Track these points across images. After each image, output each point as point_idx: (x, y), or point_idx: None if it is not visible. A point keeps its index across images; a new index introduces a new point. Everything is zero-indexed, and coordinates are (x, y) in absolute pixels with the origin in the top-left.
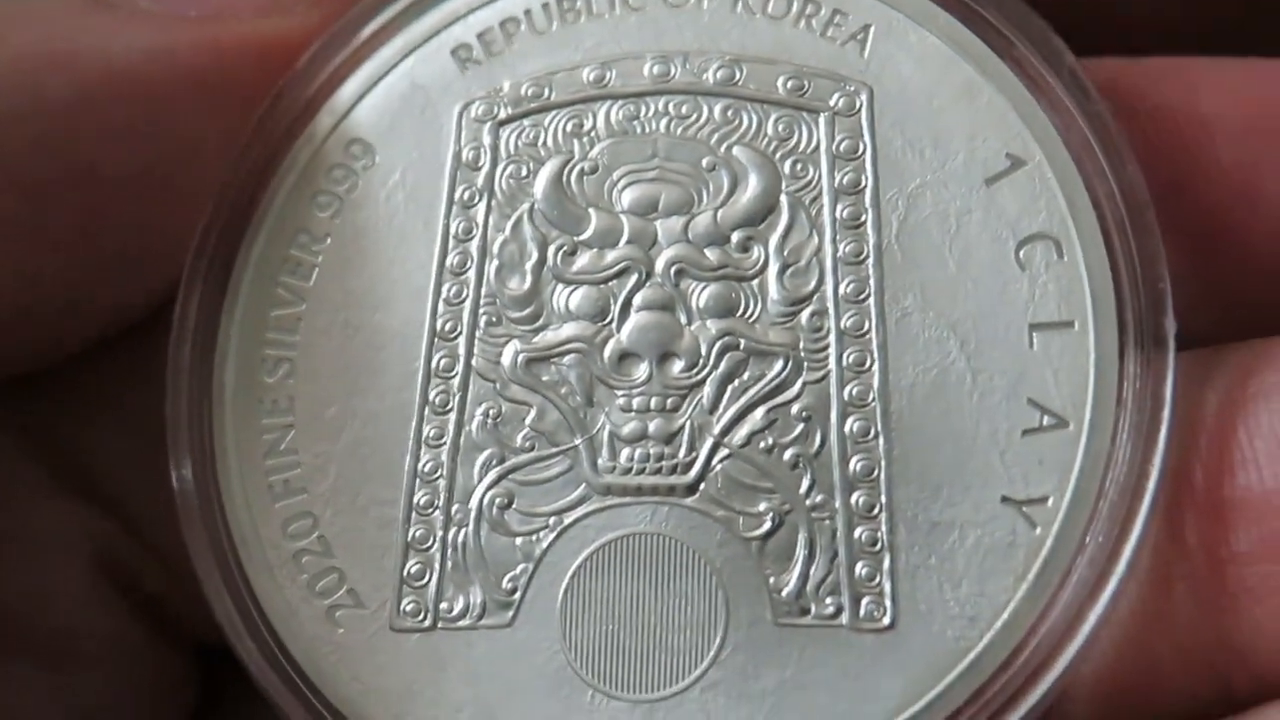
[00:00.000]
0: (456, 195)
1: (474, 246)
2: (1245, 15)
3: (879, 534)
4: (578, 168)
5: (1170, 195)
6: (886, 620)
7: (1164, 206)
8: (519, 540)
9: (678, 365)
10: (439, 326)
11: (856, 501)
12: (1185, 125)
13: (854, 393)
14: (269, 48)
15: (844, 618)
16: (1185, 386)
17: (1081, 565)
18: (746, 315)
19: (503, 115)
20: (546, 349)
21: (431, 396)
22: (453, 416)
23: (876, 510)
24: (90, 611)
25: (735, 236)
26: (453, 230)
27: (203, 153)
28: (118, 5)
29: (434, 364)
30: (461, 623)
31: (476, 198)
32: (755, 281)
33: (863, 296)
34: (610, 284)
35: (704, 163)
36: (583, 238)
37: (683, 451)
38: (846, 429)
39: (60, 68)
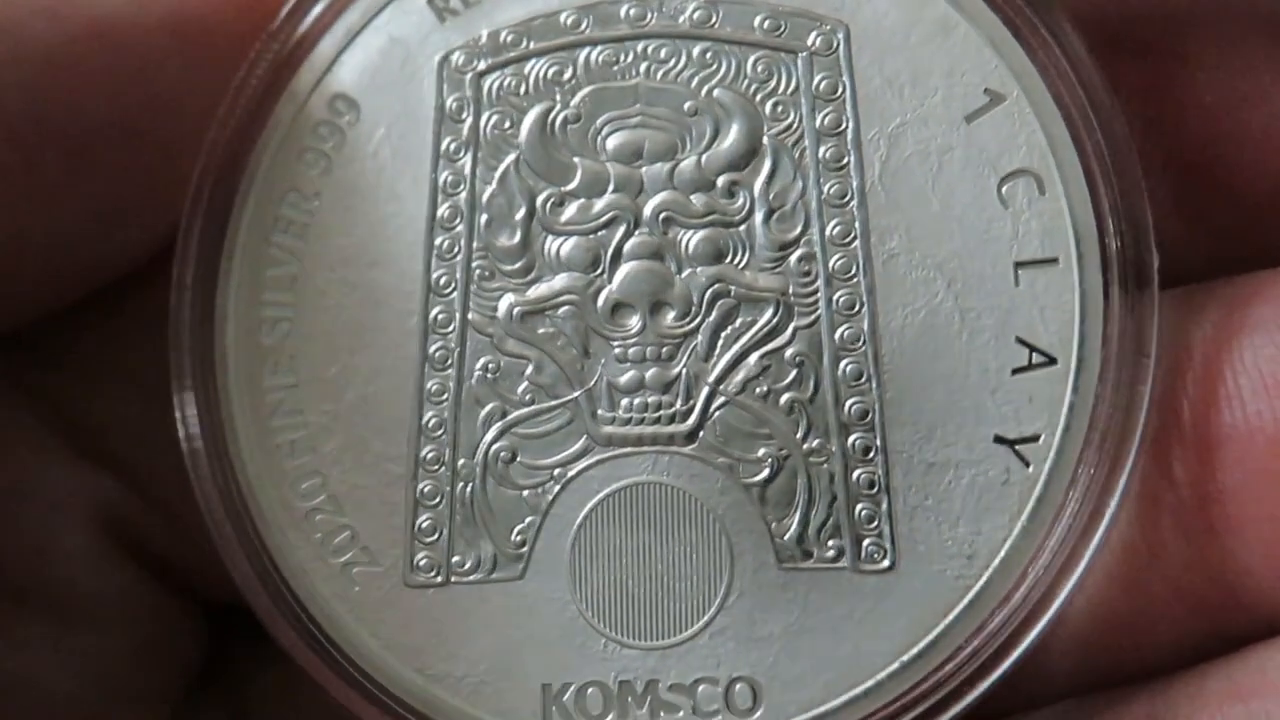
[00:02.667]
0: (442, 147)
1: (463, 199)
2: None
3: (876, 476)
4: (560, 116)
5: (1154, 133)
6: (887, 562)
7: (1148, 146)
8: (525, 493)
9: (670, 314)
10: (433, 281)
11: (853, 444)
12: (1168, 64)
13: (845, 336)
14: None
15: (845, 560)
16: (1172, 323)
17: (1075, 500)
18: (735, 261)
19: (483, 65)
20: (540, 301)
21: (431, 351)
22: (452, 371)
23: (873, 453)
24: (96, 570)
25: (720, 181)
26: (440, 183)
27: (186, 104)
28: None
29: (431, 318)
30: (473, 577)
31: (462, 150)
32: (743, 227)
33: (849, 239)
34: (600, 234)
35: (686, 107)
36: (569, 188)
37: (680, 400)
38: (840, 373)
39: (45, 15)
